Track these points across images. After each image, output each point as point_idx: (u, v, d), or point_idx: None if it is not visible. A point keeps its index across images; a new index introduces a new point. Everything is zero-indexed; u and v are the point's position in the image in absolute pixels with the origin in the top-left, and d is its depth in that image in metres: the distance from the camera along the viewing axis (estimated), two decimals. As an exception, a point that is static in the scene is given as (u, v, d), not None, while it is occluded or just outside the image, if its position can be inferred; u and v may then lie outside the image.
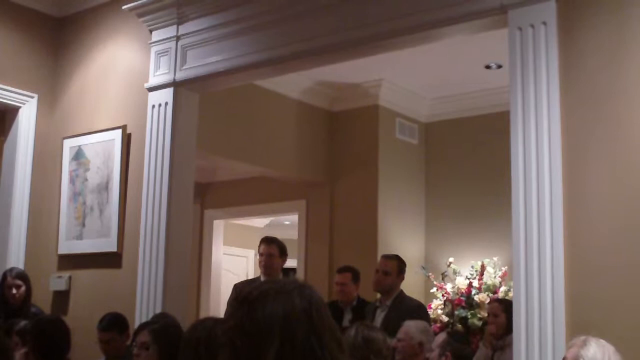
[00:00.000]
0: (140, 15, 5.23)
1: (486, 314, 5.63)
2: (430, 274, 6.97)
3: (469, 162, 7.24)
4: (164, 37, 5.14)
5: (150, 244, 4.95)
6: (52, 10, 5.96)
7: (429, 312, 5.88)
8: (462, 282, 6.73)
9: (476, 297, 6.58)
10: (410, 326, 4.30)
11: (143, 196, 5.06)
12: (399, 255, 5.42)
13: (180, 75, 5.04)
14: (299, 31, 4.53)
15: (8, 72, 5.69)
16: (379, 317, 5.07)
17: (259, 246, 5.40)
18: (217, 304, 8.15)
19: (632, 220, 3.28)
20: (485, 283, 6.65)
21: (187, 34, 5.04)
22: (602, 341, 2.79)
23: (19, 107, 5.75)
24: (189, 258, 5.17)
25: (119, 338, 4.30)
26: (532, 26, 3.62)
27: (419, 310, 5.04)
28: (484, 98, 7.05)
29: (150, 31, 5.24)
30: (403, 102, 7.37)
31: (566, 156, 3.47)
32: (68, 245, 5.49)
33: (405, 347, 4.20)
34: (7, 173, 5.74)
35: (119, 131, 5.30)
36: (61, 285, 5.47)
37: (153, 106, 5.12)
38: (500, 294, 6.47)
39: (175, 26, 5.08)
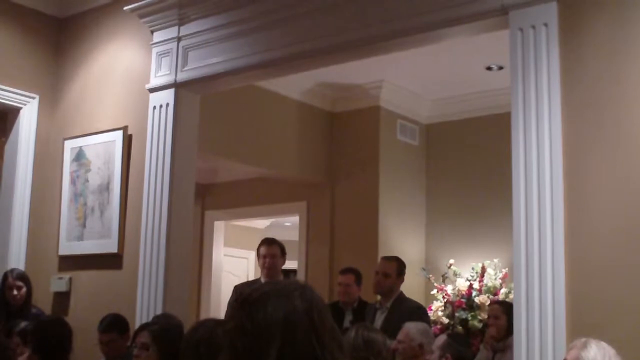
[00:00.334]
0: (141, 16, 5.23)
1: (487, 316, 5.63)
2: (430, 275, 6.97)
3: (470, 163, 7.24)
4: (165, 38, 5.15)
5: (151, 245, 4.95)
6: (53, 11, 5.97)
7: (429, 314, 5.88)
8: (462, 284, 6.73)
9: (477, 299, 6.58)
10: (411, 328, 4.29)
11: (144, 197, 5.06)
12: (399, 256, 5.42)
13: (182, 77, 5.04)
14: (300, 32, 4.53)
15: (9, 72, 5.69)
16: (379, 318, 5.07)
17: (259, 248, 5.40)
18: (218, 305, 8.14)
19: (633, 222, 3.28)
20: (486, 285, 6.64)
21: (188, 35, 5.04)
22: (603, 343, 2.79)
23: (20, 108, 5.76)
24: (189, 259, 5.17)
25: (119, 339, 4.30)
26: (533, 27, 3.62)
27: (419, 312, 5.04)
28: (485, 99, 7.05)
29: (152, 32, 5.24)
30: (404, 103, 7.37)
31: (567, 158, 3.47)
32: (69, 246, 5.49)
33: (405, 348, 4.20)
34: (8, 174, 5.74)
35: (120, 132, 5.31)
36: (62, 287, 5.47)
37: (154, 107, 5.13)
38: (501, 296, 6.46)
39: (176, 27, 5.09)
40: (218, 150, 6.48)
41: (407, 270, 5.35)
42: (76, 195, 5.50)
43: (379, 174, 7.09)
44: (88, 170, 5.47)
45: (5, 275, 5.14)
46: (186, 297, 5.07)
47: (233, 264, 9.55)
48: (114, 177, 5.29)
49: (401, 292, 5.21)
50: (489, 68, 6.55)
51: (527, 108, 3.58)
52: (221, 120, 6.35)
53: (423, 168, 7.59)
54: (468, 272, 6.80)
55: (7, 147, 5.80)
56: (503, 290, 6.54)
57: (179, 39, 5.08)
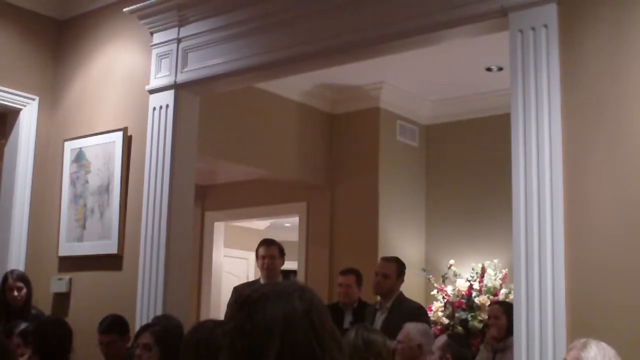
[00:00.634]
0: (141, 18, 5.24)
1: (487, 317, 5.64)
2: (430, 276, 6.97)
3: (470, 164, 7.24)
4: (165, 40, 5.15)
5: (150, 246, 4.95)
6: (53, 13, 5.97)
7: (429, 315, 5.88)
8: (462, 285, 6.73)
9: (477, 300, 6.58)
10: (411, 328, 4.30)
11: (144, 198, 5.06)
12: (399, 257, 5.42)
13: (181, 78, 5.04)
14: (299, 34, 4.54)
15: (9, 74, 5.69)
16: (379, 319, 5.07)
17: (258, 249, 5.41)
18: (218, 306, 8.14)
19: (633, 223, 3.28)
20: (486, 285, 6.64)
21: (188, 36, 5.04)
22: (603, 344, 2.79)
23: (20, 110, 5.76)
24: (189, 260, 5.18)
25: (119, 340, 4.30)
26: (533, 29, 3.62)
27: (419, 313, 5.04)
28: (485, 100, 7.06)
29: (152, 33, 5.24)
30: (404, 104, 7.38)
31: (567, 159, 3.47)
32: (69, 247, 5.49)
33: (404, 348, 4.21)
34: (8, 175, 5.74)
35: (120, 133, 5.31)
36: (62, 287, 5.47)
37: (154, 108, 5.13)
38: (501, 296, 6.46)
39: (176, 28, 5.09)
40: (218, 151, 6.48)
41: (407, 271, 5.35)
42: (76, 197, 5.50)
43: (378, 175, 7.09)
44: (88, 172, 5.47)
45: (6, 277, 5.14)
46: (186, 298, 5.07)
47: (233, 264, 9.55)
48: (113, 178, 5.29)
49: (401, 293, 5.21)
50: (488, 69, 6.55)
51: (527, 109, 3.58)
52: (221, 121, 6.36)
53: (423, 169, 7.59)
54: (468, 272, 6.80)
55: (7, 149, 5.80)
56: (503, 291, 6.54)
57: (178, 40, 5.09)
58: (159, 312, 4.71)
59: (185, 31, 5.06)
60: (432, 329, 5.66)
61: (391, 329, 4.54)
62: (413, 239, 7.32)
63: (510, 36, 3.71)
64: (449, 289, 6.79)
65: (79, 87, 5.77)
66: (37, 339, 4.02)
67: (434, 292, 6.89)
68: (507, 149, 3.67)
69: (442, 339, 4.21)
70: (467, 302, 6.63)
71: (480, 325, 6.42)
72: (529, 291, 3.44)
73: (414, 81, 7.05)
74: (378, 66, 6.29)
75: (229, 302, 5.13)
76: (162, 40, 5.17)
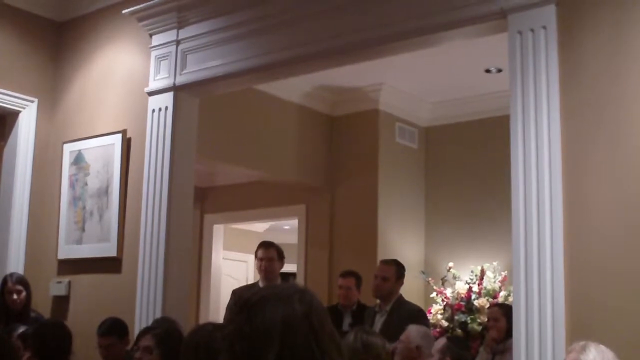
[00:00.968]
0: (140, 20, 5.23)
1: (486, 319, 5.63)
2: (430, 278, 6.96)
3: (469, 166, 7.24)
4: (164, 42, 5.15)
5: (150, 248, 4.95)
6: (52, 15, 5.97)
7: (428, 317, 5.88)
8: (461, 287, 6.73)
9: (476, 302, 6.58)
10: (412, 330, 4.32)
11: (143, 201, 5.05)
12: (399, 259, 5.42)
13: (181, 80, 5.04)
14: (299, 35, 4.54)
15: (8, 76, 5.69)
16: (378, 322, 5.06)
17: (257, 251, 5.40)
18: (217, 308, 8.13)
19: (632, 224, 3.28)
20: (485, 288, 6.64)
21: (187, 38, 5.04)
22: (602, 346, 2.79)
23: (19, 112, 5.75)
24: (188, 263, 5.17)
25: (118, 343, 4.29)
26: (532, 30, 3.62)
27: (418, 315, 5.03)
28: (484, 102, 7.06)
29: (151, 35, 5.24)
30: (403, 106, 7.38)
31: (566, 160, 3.47)
32: (68, 250, 5.48)
33: (403, 349, 4.23)
34: (7, 177, 5.74)
35: (119, 135, 5.30)
36: (61, 290, 5.46)
37: (153, 110, 5.13)
38: (500, 299, 6.46)
39: (175, 30, 5.09)
40: (217, 153, 6.48)
41: (406, 274, 5.34)
42: (75, 199, 5.50)
43: (378, 177, 7.09)
44: (87, 174, 5.46)
45: (5, 280, 5.14)
46: (185, 300, 5.07)
47: (232, 267, 9.56)
48: (113, 180, 5.28)
49: (400, 296, 5.21)
50: (487, 71, 6.55)
51: (526, 110, 3.58)
52: (220, 123, 6.35)
53: (422, 171, 7.59)
54: (467, 275, 6.79)
55: (6, 151, 5.80)
56: (502, 293, 6.54)
57: (177, 42, 5.08)
58: (158, 315, 4.70)
59: (184, 33, 5.06)
60: (432, 331, 5.65)
61: (391, 331, 4.53)
62: (412, 241, 7.32)
63: (510, 38, 3.71)
64: (448, 292, 6.79)
65: (78, 89, 5.77)
66: (37, 341, 4.01)
67: (433, 294, 6.88)
68: (506, 151, 3.67)
69: (442, 341, 4.21)
70: (466, 305, 6.62)
71: (479, 328, 6.41)
72: (529, 293, 3.44)
73: (413, 83, 7.05)
74: (377, 68, 6.30)
75: (228, 305, 5.13)
76: (161, 42, 5.17)
